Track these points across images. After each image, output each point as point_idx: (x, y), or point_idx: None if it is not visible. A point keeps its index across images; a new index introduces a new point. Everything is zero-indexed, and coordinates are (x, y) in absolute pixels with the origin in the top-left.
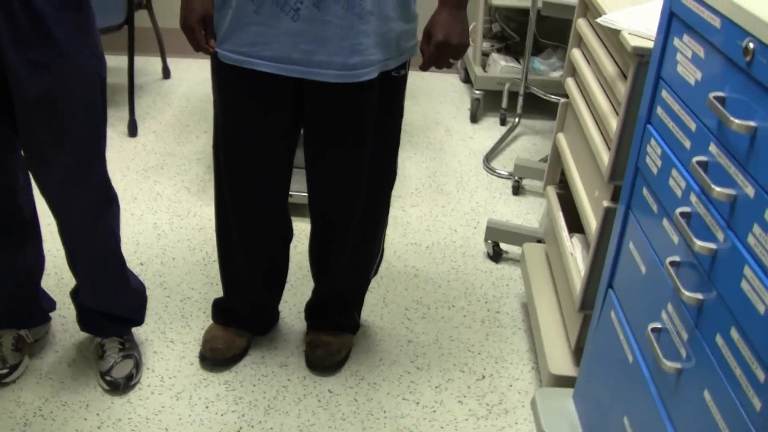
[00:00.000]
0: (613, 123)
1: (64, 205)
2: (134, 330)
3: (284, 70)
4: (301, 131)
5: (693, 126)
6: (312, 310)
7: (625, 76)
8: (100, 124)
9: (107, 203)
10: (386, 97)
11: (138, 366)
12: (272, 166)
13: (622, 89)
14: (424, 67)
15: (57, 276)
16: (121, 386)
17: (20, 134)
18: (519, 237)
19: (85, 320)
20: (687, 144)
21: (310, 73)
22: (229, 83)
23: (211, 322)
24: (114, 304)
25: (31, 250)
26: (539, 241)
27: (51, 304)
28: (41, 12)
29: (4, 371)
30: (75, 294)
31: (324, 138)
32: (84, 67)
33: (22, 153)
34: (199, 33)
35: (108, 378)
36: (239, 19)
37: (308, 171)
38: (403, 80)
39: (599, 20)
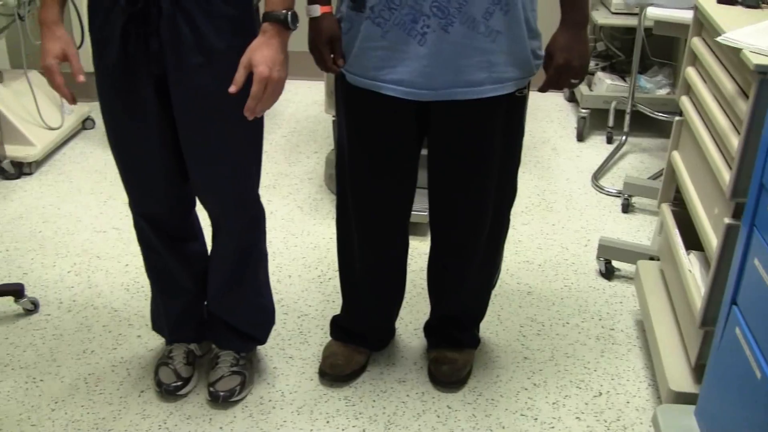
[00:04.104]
0: (734, 141)
1: (210, 198)
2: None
3: (410, 94)
4: (421, 152)
5: None
6: (434, 329)
7: (745, 94)
8: (251, 132)
9: (251, 210)
10: (510, 117)
11: (244, 384)
12: (398, 187)
13: (743, 107)
14: (543, 89)
15: None
16: (220, 399)
17: (184, 131)
18: (632, 254)
19: (209, 328)
20: None
21: (437, 95)
22: (357, 106)
23: (328, 338)
24: (239, 315)
25: (201, 266)
26: (652, 258)
27: None
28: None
29: (178, 383)
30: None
31: (452, 158)
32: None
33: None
34: (326, 54)
35: (211, 389)
36: (367, 42)
37: (433, 192)
38: (525, 100)
39: (719, 39)
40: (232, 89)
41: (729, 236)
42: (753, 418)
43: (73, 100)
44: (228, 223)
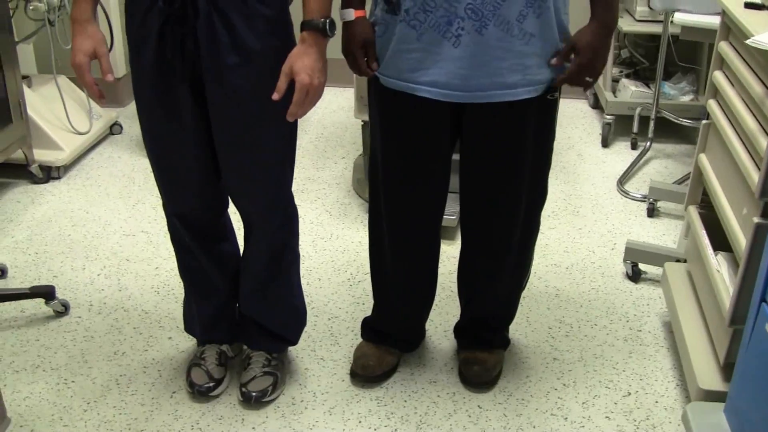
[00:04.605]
0: (763, 141)
1: (243, 198)
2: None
3: (444, 95)
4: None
5: None
6: (464, 330)
7: None
8: (285, 131)
9: (284, 210)
10: (541, 120)
11: (276, 384)
12: (430, 189)
13: None
14: (560, 82)
15: None
16: (252, 399)
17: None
18: (658, 257)
19: (241, 329)
20: None
21: (470, 97)
22: (391, 109)
23: (359, 340)
24: (270, 316)
25: (233, 267)
26: (678, 260)
27: None
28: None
29: (211, 384)
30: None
31: (485, 160)
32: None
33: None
34: (360, 58)
35: (243, 390)
36: (401, 45)
37: (465, 194)
38: (556, 103)
39: (748, 42)
40: (275, 97)
41: (758, 235)
42: None
43: (102, 97)
44: (261, 223)
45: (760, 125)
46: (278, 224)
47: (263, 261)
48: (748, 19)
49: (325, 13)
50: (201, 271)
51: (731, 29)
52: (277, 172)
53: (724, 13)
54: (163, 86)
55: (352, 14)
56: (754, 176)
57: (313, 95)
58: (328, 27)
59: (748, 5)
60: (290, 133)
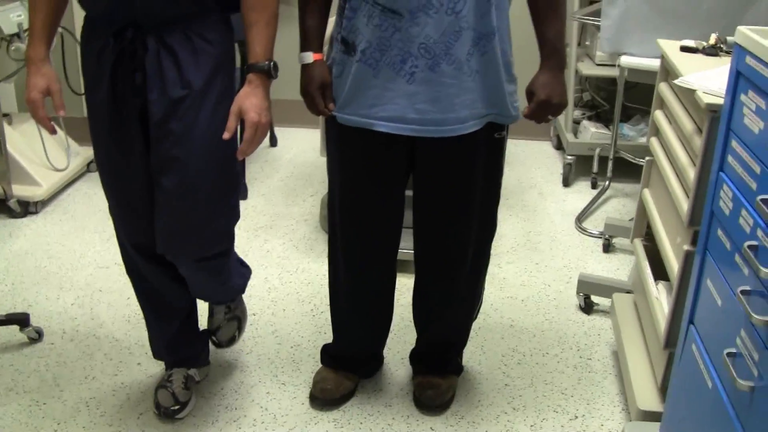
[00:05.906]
0: (692, 174)
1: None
2: (245, 378)
3: (401, 129)
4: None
5: (758, 169)
6: (419, 356)
7: (701, 131)
8: (228, 172)
9: (220, 239)
10: (489, 157)
11: (240, 327)
12: (386, 223)
13: (698, 143)
14: (526, 116)
15: None
16: (223, 344)
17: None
18: (609, 289)
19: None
20: (753, 186)
21: (425, 131)
22: (349, 146)
23: (319, 366)
24: (221, 297)
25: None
26: (628, 292)
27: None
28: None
29: (176, 407)
30: None
31: (437, 193)
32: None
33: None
34: (317, 99)
35: (214, 338)
36: (359, 83)
37: (418, 228)
38: (503, 141)
39: (676, 81)
40: (226, 136)
41: (687, 261)
42: (707, 426)
43: (54, 132)
44: (188, 260)
45: (690, 159)
46: (213, 255)
47: (207, 286)
48: (682, 61)
49: (269, 56)
50: (158, 295)
51: (669, 71)
52: (218, 205)
53: (663, 57)
54: (116, 120)
55: (310, 57)
56: (685, 206)
57: (260, 133)
58: (272, 69)
59: (683, 49)
60: (230, 168)
